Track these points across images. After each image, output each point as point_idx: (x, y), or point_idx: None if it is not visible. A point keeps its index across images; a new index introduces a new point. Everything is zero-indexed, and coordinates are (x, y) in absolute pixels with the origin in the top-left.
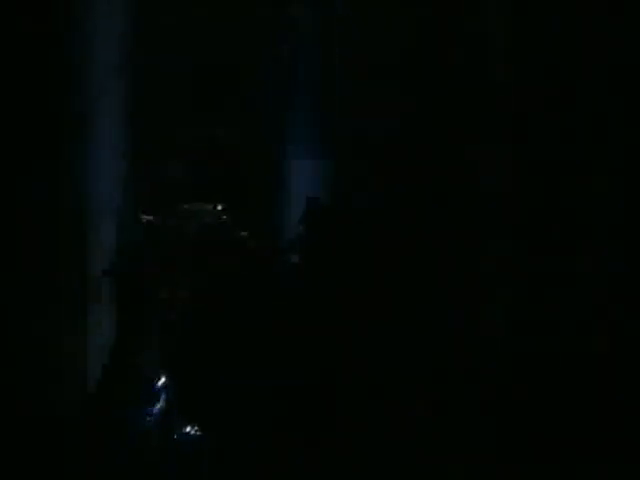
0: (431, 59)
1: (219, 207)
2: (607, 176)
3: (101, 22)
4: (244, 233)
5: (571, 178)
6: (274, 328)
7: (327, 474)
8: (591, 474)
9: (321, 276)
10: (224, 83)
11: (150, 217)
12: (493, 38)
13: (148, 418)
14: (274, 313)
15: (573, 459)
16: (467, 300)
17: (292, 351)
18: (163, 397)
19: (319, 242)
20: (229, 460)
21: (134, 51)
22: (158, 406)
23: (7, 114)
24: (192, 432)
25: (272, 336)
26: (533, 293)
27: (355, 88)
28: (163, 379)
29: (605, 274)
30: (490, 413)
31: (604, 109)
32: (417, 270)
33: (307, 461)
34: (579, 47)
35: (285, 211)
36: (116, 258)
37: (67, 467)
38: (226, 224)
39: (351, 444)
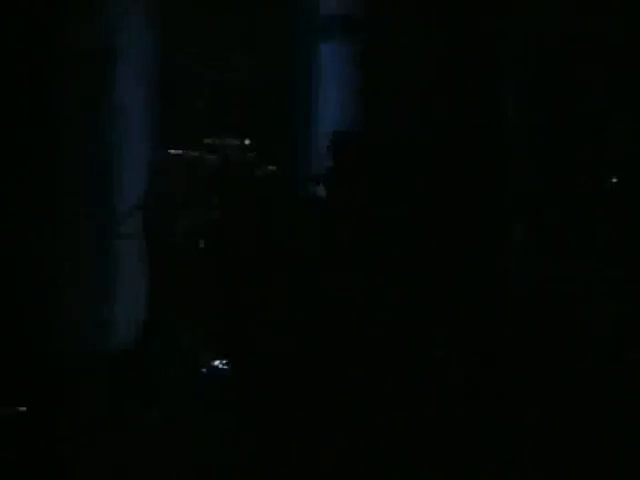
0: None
1: (246, 142)
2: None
3: None
4: (272, 167)
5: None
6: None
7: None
8: None
9: (349, 210)
10: None
11: (178, 152)
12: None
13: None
14: (299, 248)
15: None
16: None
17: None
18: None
19: (347, 176)
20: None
21: None
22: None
23: None
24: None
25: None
26: None
27: None
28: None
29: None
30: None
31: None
32: (446, 204)
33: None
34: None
35: (313, 145)
36: (143, 194)
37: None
38: (252, 159)
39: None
